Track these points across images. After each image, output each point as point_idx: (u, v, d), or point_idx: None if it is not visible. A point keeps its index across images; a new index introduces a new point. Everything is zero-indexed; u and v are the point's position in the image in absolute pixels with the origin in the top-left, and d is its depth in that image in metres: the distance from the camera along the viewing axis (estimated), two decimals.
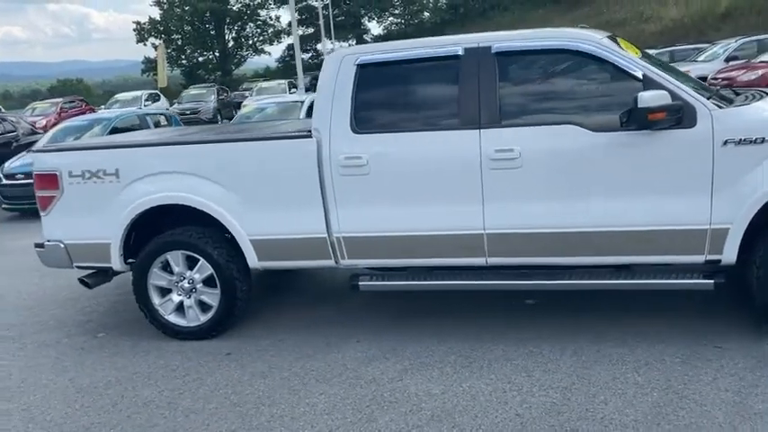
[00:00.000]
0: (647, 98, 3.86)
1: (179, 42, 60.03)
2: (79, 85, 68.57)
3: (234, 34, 62.76)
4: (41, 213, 5.25)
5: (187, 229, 4.98)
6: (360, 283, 4.77)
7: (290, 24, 54.28)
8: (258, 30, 62.80)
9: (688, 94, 4.02)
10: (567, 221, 4.23)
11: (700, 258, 4.12)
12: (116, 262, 5.07)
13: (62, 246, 5.17)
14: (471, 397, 3.84)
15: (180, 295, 5.04)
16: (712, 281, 4.13)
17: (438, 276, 4.68)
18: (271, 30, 62.32)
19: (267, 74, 58.43)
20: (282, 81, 33.04)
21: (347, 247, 4.65)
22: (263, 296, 5.77)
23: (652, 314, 4.71)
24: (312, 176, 4.60)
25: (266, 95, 24.35)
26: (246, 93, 32.38)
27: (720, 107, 4.03)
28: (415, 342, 4.65)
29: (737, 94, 4.64)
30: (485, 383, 3.98)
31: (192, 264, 4.97)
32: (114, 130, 11.75)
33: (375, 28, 64.18)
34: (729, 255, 4.04)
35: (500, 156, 4.25)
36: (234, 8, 60.96)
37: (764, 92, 4.59)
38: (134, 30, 58.53)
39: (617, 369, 3.99)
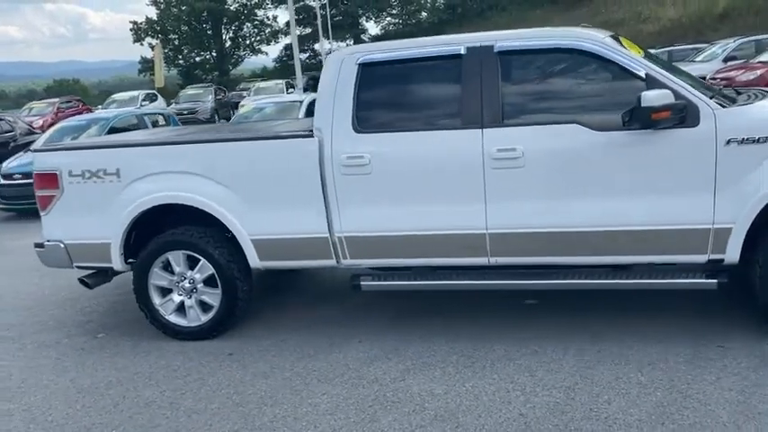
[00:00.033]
0: (651, 97, 3.86)
1: (176, 42, 59.90)
2: (75, 86, 68.45)
3: (231, 34, 62.68)
4: (41, 213, 5.23)
5: (188, 229, 4.97)
6: (361, 282, 4.75)
7: (287, 24, 54.26)
8: (255, 30, 62.72)
9: (691, 93, 4.02)
10: (569, 221, 4.22)
11: (702, 258, 4.12)
12: (116, 262, 5.06)
13: (62, 246, 5.15)
14: (474, 397, 3.83)
15: (181, 295, 5.02)
16: (715, 280, 4.12)
17: (439, 276, 4.67)
18: (268, 30, 62.26)
19: (264, 74, 58.33)
20: (280, 81, 32.99)
21: (349, 247, 4.64)
22: (263, 296, 5.76)
23: (652, 314, 4.70)
24: (314, 176, 4.58)
25: (264, 95, 24.33)
26: (244, 93, 32.32)
27: (723, 106, 4.02)
28: (417, 342, 4.64)
29: (740, 94, 4.64)
30: (488, 383, 3.97)
31: (192, 264, 4.96)
32: (112, 130, 11.73)
33: (373, 28, 64.20)
34: (732, 254, 4.04)
35: (502, 155, 4.24)
36: (231, 8, 60.87)
37: (767, 91, 4.59)
38: (131, 30, 58.45)
39: (620, 369, 3.99)
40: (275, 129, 5.75)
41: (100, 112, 18.33)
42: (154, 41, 53.19)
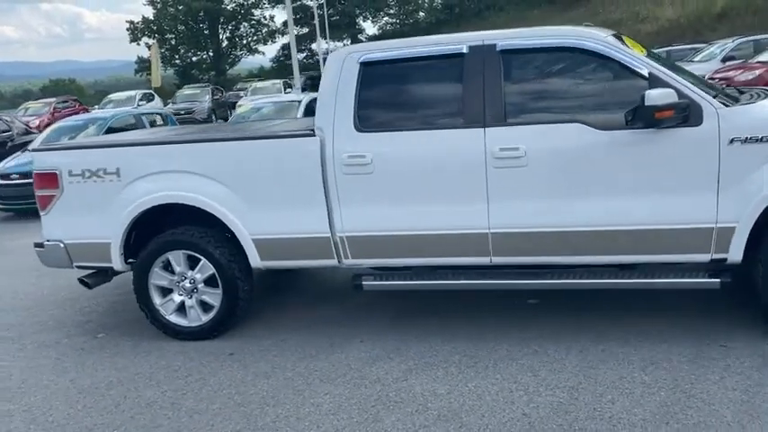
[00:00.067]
0: (655, 96, 3.85)
1: (173, 42, 59.81)
2: (71, 86, 68.32)
3: (228, 34, 62.58)
4: (41, 213, 5.20)
5: (188, 229, 4.95)
6: (363, 282, 4.74)
7: (284, 24, 54.28)
8: (252, 29, 62.65)
9: (694, 92, 4.01)
10: (571, 221, 4.21)
11: (705, 257, 4.11)
12: (116, 262, 5.03)
13: (62, 245, 5.12)
14: (477, 397, 3.82)
15: (181, 295, 5.00)
16: (718, 280, 4.11)
17: (441, 276, 4.66)
18: (265, 29, 62.21)
19: (261, 74, 58.27)
20: (277, 81, 32.96)
21: (350, 247, 4.63)
22: (263, 296, 5.74)
23: (654, 313, 4.70)
24: (315, 175, 4.56)
25: (261, 95, 24.30)
26: (241, 93, 32.29)
27: (726, 105, 4.02)
28: (419, 342, 4.62)
29: (742, 93, 4.63)
30: (490, 383, 3.96)
31: (193, 263, 4.94)
32: (110, 130, 11.70)
33: (370, 28, 64.18)
34: (735, 253, 4.03)
35: (505, 154, 4.22)
36: (228, 8, 60.78)
37: None
38: (127, 29, 58.36)
39: (623, 368, 3.98)
40: (275, 128, 5.73)
41: (97, 112, 18.29)
42: (150, 41, 53.04)
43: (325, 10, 48.07)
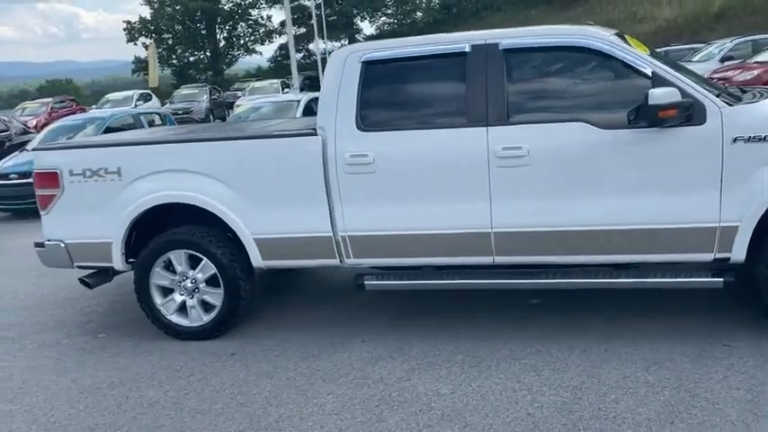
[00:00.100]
0: (658, 95, 3.84)
1: (170, 42, 59.66)
2: (68, 86, 68.11)
3: (225, 34, 62.44)
4: (41, 212, 5.18)
5: (190, 228, 4.93)
6: (365, 282, 4.73)
7: (282, 24, 54.24)
8: (250, 29, 62.50)
9: (698, 91, 4.00)
10: (574, 220, 4.20)
11: (708, 256, 4.10)
12: (117, 261, 5.02)
13: (62, 245, 5.10)
14: (481, 396, 3.81)
15: (182, 295, 4.99)
16: (722, 279, 4.11)
17: (443, 275, 4.65)
18: (262, 29, 62.09)
19: (259, 74, 58.16)
20: (275, 81, 32.89)
21: (352, 246, 4.61)
22: (264, 296, 5.72)
23: (657, 313, 4.70)
24: (317, 175, 4.55)
25: (259, 95, 24.28)
26: (239, 93, 32.24)
27: (730, 105, 4.01)
28: (421, 341, 4.61)
29: (745, 92, 4.63)
30: (494, 383, 3.95)
31: (194, 263, 4.92)
32: (108, 130, 11.68)
33: (367, 28, 64.10)
34: (738, 253, 4.03)
35: (508, 153, 4.22)
36: (225, 7, 60.63)
37: None
38: (124, 29, 58.19)
39: (626, 368, 3.97)
40: (276, 128, 5.72)
41: (95, 112, 18.26)
42: (147, 41, 52.95)
43: (323, 10, 48.03)
